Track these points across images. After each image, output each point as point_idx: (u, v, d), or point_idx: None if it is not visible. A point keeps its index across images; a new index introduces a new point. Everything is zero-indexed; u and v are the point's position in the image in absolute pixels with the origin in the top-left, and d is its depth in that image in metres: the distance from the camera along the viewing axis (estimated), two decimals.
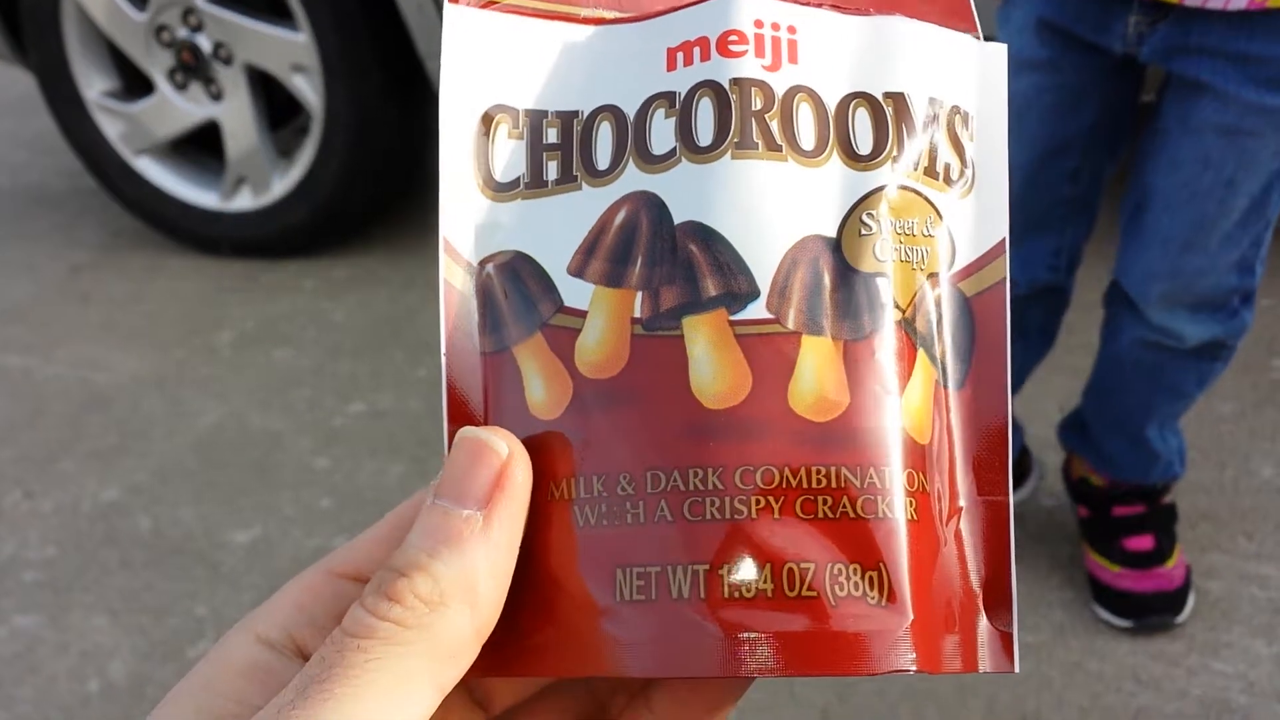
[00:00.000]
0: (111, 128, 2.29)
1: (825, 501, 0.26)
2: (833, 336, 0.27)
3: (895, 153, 0.28)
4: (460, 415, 0.29)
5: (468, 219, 0.29)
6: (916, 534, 0.27)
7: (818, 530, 0.26)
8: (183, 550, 1.57)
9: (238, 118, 2.19)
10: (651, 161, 0.28)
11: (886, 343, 0.27)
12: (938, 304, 0.29)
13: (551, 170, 0.29)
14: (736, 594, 0.25)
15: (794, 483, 0.26)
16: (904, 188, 0.28)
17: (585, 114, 0.29)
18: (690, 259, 0.27)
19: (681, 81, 0.28)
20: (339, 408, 1.85)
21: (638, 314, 0.27)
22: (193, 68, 2.18)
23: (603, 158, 0.29)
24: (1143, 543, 1.35)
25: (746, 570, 0.26)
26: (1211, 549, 1.42)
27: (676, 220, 0.27)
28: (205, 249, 2.36)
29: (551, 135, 0.29)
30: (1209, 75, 1.06)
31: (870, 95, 0.29)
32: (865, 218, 0.28)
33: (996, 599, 0.28)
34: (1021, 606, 1.37)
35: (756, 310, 0.27)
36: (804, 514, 0.26)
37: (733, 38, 0.28)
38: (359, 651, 0.24)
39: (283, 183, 2.23)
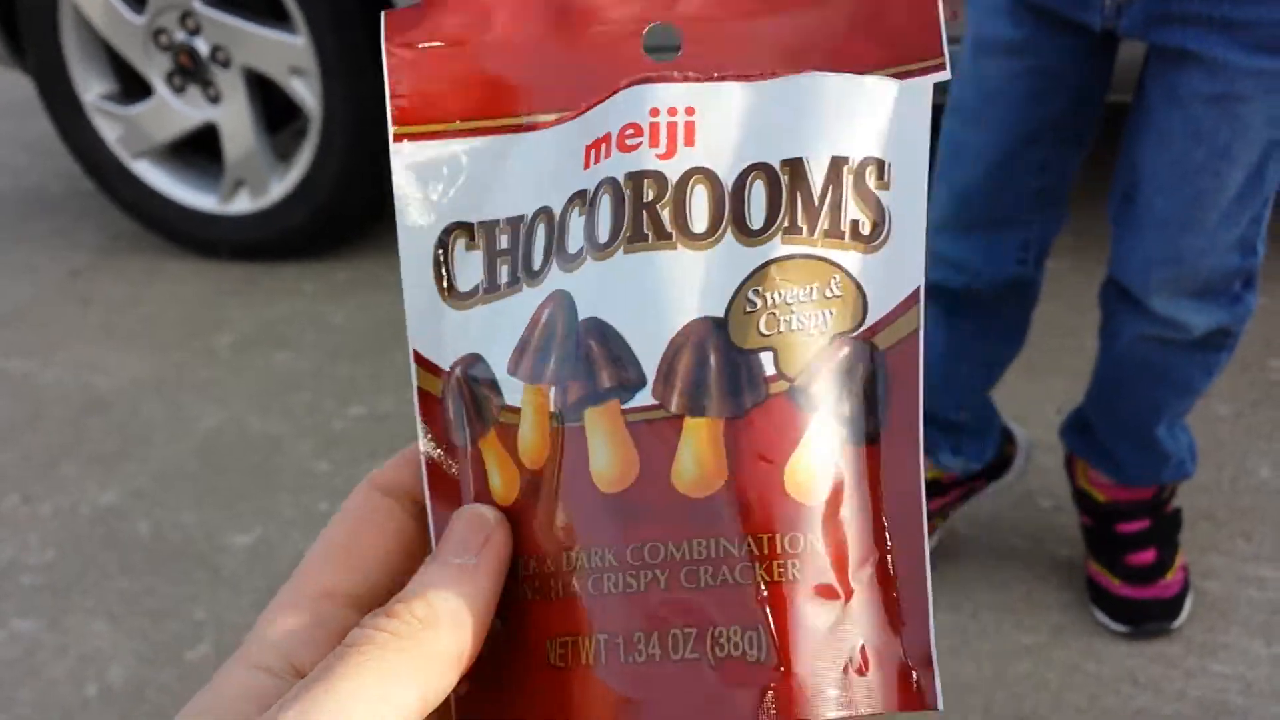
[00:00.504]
0: (109, 131, 2.29)
1: (706, 571, 0.28)
2: (714, 416, 0.28)
3: (786, 222, 0.29)
4: (442, 504, 0.32)
5: (436, 330, 0.31)
6: (800, 592, 0.28)
7: (701, 598, 0.28)
8: (183, 554, 1.57)
9: (236, 120, 2.20)
10: (567, 261, 0.30)
11: (768, 416, 0.28)
12: (845, 363, 0.29)
13: (503, 274, 0.31)
14: (631, 659, 0.28)
15: (678, 556, 0.28)
16: (797, 256, 0.29)
17: (528, 218, 0.31)
18: (589, 354, 0.29)
19: (591, 179, 0.30)
20: (339, 411, 1.85)
21: (553, 408, 0.29)
22: (191, 71, 2.18)
23: (537, 259, 0.30)
24: (1145, 557, 1.34)
25: (638, 638, 0.28)
26: (1209, 550, 1.42)
27: (580, 317, 0.29)
28: (204, 252, 2.36)
29: (503, 241, 0.31)
30: (1195, 43, 1.03)
31: (768, 165, 0.29)
32: (751, 295, 0.28)
33: (915, 646, 0.29)
34: (1019, 608, 1.37)
35: (644, 398, 0.28)
36: (688, 584, 0.28)
37: (629, 131, 0.29)
38: (355, 654, 0.27)
39: (281, 185, 2.24)
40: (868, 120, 0.29)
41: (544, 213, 0.30)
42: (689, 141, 0.29)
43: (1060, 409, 1.62)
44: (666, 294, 0.28)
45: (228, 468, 1.74)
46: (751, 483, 0.28)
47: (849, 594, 0.28)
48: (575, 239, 0.29)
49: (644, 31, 0.31)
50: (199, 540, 1.60)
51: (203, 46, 2.15)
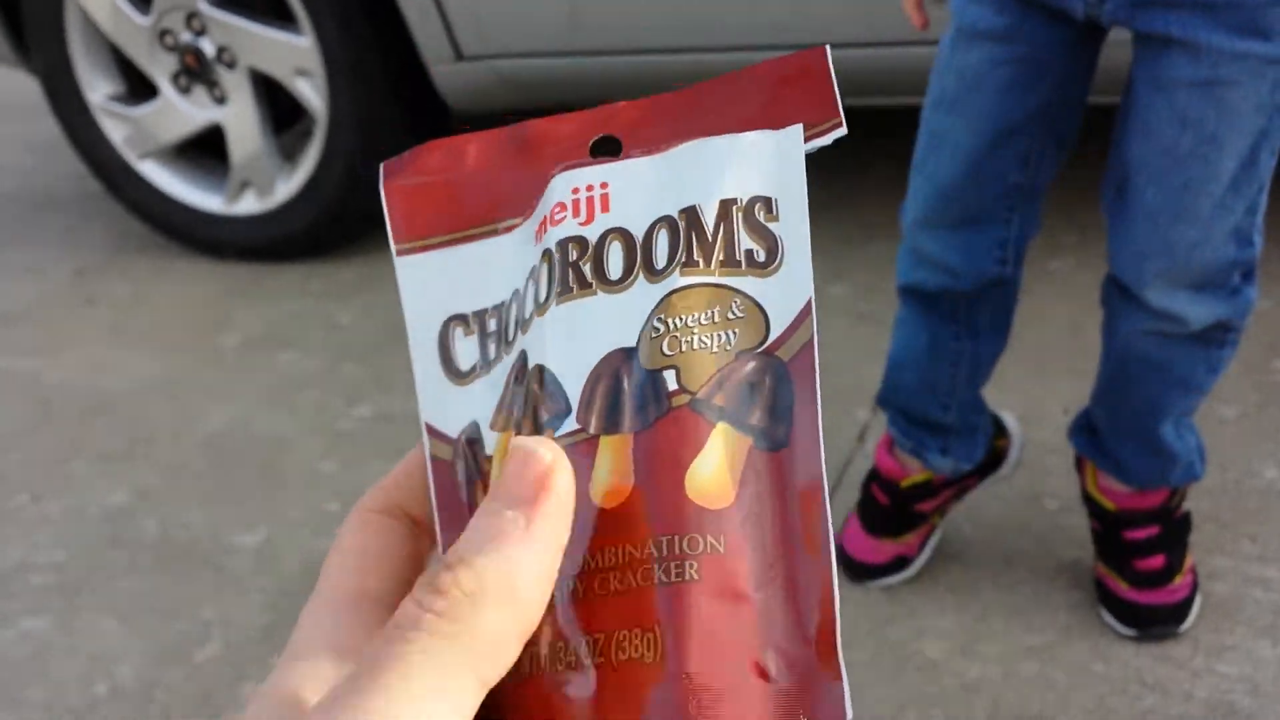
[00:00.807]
0: (116, 131, 2.30)
1: (615, 577, 0.30)
2: (625, 431, 0.31)
3: (684, 258, 0.32)
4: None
5: (443, 405, 0.35)
6: (699, 592, 0.29)
7: (610, 603, 0.30)
8: (190, 554, 1.58)
9: (241, 121, 2.20)
10: (523, 326, 0.34)
11: (671, 426, 0.31)
12: (750, 375, 0.32)
13: (492, 351, 0.35)
14: (556, 666, 0.30)
15: (593, 565, 0.30)
16: (696, 285, 0.32)
17: (507, 301, 0.35)
18: (534, 396, 0.32)
19: (536, 254, 0.35)
20: (345, 410, 1.85)
21: None
22: (196, 71, 2.19)
23: (511, 331, 0.35)
24: (1154, 563, 1.33)
25: (559, 646, 0.30)
26: (1216, 552, 1.43)
27: (529, 366, 0.33)
28: (210, 252, 2.36)
29: (491, 325, 0.35)
30: (1178, 29, 1.03)
31: (669, 216, 0.33)
32: (655, 322, 0.32)
33: (823, 649, 0.30)
34: (1026, 608, 1.37)
35: (570, 424, 0.32)
36: (600, 590, 0.30)
37: (558, 210, 0.34)
38: (405, 643, 0.26)
39: (287, 186, 2.24)
40: (751, 167, 0.34)
41: (515, 294, 0.35)
42: (604, 209, 0.34)
43: (1068, 409, 1.62)
44: (587, 333, 0.32)
45: (234, 467, 1.74)
46: (655, 488, 0.30)
47: (753, 597, 0.30)
48: (528, 306, 0.34)
49: (589, 143, 0.36)
50: (206, 540, 1.60)
51: (208, 47, 2.15)
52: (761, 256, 0.33)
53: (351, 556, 0.32)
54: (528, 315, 0.34)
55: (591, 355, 0.32)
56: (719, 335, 0.32)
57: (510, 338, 0.34)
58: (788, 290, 0.32)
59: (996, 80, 1.14)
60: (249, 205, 2.29)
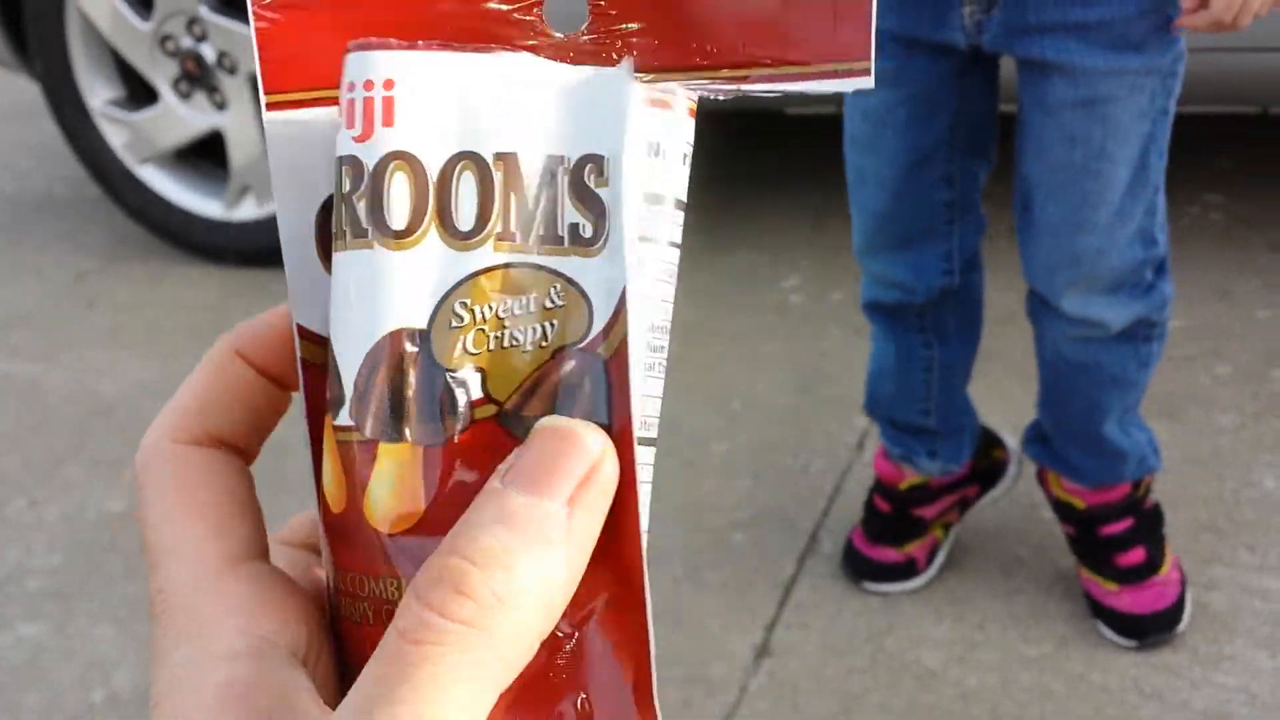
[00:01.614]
0: (116, 136, 2.30)
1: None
2: (412, 442, 0.26)
3: (499, 227, 0.26)
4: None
5: (319, 302, 0.28)
6: None
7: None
8: None
9: (242, 127, 2.20)
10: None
11: (471, 444, 0.26)
12: (568, 379, 0.26)
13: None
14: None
15: (377, 592, 0.26)
16: (511, 265, 0.26)
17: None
18: (327, 362, 0.27)
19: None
20: None
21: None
22: (197, 77, 2.19)
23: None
24: (1134, 556, 1.34)
25: (356, 672, 0.26)
26: (1213, 561, 1.43)
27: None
28: (210, 257, 2.36)
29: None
30: (1054, 53, 1.06)
31: (478, 156, 0.26)
32: (458, 307, 0.26)
33: (640, 695, 0.26)
34: (1024, 618, 1.37)
35: (345, 416, 0.26)
36: (386, 620, 0.25)
37: (339, 107, 0.26)
38: (427, 662, 0.22)
39: None
40: (588, 115, 0.26)
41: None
42: (388, 120, 0.26)
43: None
44: (362, 301, 0.26)
45: None
46: (448, 519, 0.25)
47: (566, 640, 0.26)
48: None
49: None
50: None
51: (209, 53, 2.15)
52: (588, 232, 0.26)
53: (203, 507, 0.28)
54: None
55: (365, 332, 0.25)
56: (535, 329, 0.26)
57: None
58: (610, 274, 0.26)
59: (895, 120, 1.18)
60: (249, 210, 2.29)
